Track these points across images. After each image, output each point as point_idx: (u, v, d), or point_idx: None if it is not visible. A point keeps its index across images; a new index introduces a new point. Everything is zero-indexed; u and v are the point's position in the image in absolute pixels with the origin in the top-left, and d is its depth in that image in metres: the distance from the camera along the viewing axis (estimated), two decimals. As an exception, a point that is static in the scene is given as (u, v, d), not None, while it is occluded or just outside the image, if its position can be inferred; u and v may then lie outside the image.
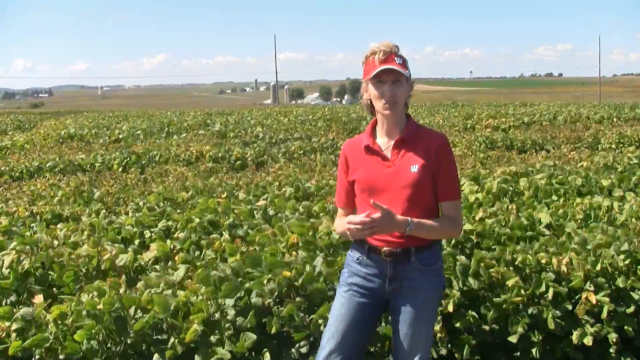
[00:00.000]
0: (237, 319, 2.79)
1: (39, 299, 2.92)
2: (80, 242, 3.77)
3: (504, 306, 3.01)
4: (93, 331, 2.69)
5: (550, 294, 3.00)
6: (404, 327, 2.39)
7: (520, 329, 2.96)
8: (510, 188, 5.20)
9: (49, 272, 3.47)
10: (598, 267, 3.12)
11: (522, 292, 3.01)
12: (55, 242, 3.82)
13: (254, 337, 2.72)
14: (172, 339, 2.72)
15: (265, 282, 2.92)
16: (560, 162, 7.47)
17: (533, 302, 3.06)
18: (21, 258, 3.42)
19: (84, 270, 3.43)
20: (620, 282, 3.09)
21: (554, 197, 4.94)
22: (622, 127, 13.76)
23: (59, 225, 4.34)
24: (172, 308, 2.77)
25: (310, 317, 2.83)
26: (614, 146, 10.60)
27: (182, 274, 3.08)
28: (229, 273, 2.95)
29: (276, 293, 2.90)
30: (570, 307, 3.01)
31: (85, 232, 4.11)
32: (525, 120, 16.34)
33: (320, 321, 2.80)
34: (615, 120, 16.55)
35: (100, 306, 2.70)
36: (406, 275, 2.38)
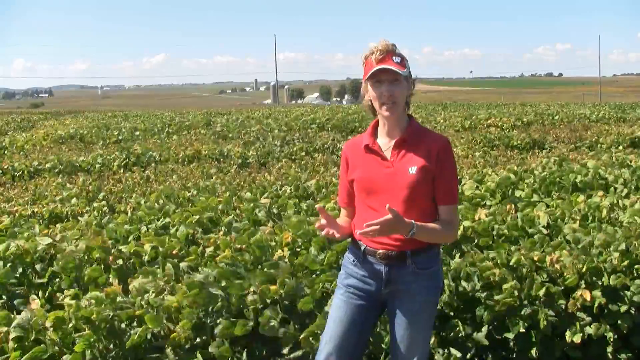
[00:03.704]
0: (219, 323, 2.81)
1: (36, 304, 2.91)
2: (78, 238, 3.78)
3: (496, 308, 3.00)
4: (92, 340, 2.67)
5: (541, 292, 3.00)
6: (401, 330, 2.37)
7: (517, 329, 2.96)
8: (512, 186, 5.22)
9: (48, 266, 3.48)
10: (591, 266, 3.12)
11: (516, 292, 3.01)
12: (57, 237, 3.83)
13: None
14: (167, 348, 2.72)
15: (246, 289, 2.92)
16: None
17: (528, 302, 3.05)
18: (19, 248, 3.44)
19: (84, 262, 3.44)
20: (611, 280, 3.08)
21: (554, 195, 4.95)
22: (623, 127, 13.77)
23: (57, 225, 4.35)
24: (164, 319, 2.78)
25: (303, 337, 2.81)
26: (613, 146, 10.62)
27: (172, 271, 3.08)
28: (211, 279, 2.94)
29: (259, 302, 2.89)
30: (564, 306, 3.02)
31: (82, 232, 4.11)
32: (526, 120, 16.35)
33: (311, 339, 2.80)
34: (617, 121, 16.56)
35: (94, 316, 2.69)
36: (402, 279, 2.36)
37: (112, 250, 3.49)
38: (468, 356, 3.00)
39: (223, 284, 2.93)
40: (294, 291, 2.95)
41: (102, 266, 3.39)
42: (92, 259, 3.44)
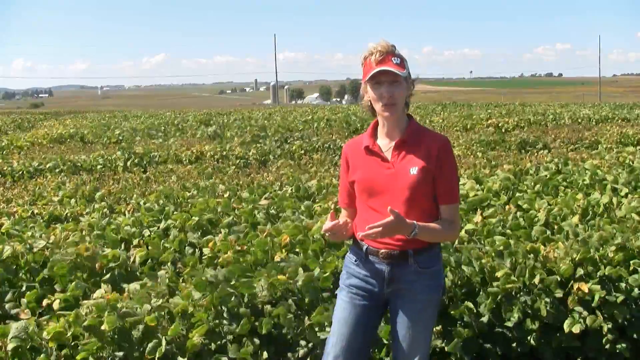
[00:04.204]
0: (233, 323, 2.78)
1: (26, 314, 2.88)
2: (77, 241, 3.77)
3: (498, 297, 3.02)
4: (96, 348, 2.65)
5: (536, 280, 3.02)
6: (402, 329, 2.38)
7: (515, 316, 2.98)
8: (512, 186, 5.23)
9: (42, 268, 3.47)
10: (586, 256, 3.15)
11: (514, 277, 3.04)
12: (52, 239, 3.81)
13: (257, 342, 2.72)
14: (178, 357, 2.69)
15: (256, 284, 2.91)
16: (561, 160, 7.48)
17: (524, 291, 3.08)
18: (14, 249, 3.43)
19: (77, 270, 3.43)
20: (607, 271, 3.11)
21: (561, 193, 4.98)
22: (624, 127, 13.76)
23: (57, 226, 4.34)
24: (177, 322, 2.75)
25: (308, 324, 2.82)
26: (614, 146, 10.60)
27: (167, 279, 3.06)
28: (221, 278, 2.91)
29: (267, 296, 2.88)
30: (561, 295, 3.04)
31: (84, 232, 4.10)
32: (526, 120, 16.35)
33: (316, 329, 2.80)
34: (619, 120, 16.54)
35: (105, 327, 2.64)
36: (404, 278, 2.37)
37: (106, 253, 3.48)
38: (465, 349, 3.00)
39: (232, 282, 2.92)
40: (302, 283, 2.94)
41: (87, 273, 3.37)
42: (82, 263, 3.42)
